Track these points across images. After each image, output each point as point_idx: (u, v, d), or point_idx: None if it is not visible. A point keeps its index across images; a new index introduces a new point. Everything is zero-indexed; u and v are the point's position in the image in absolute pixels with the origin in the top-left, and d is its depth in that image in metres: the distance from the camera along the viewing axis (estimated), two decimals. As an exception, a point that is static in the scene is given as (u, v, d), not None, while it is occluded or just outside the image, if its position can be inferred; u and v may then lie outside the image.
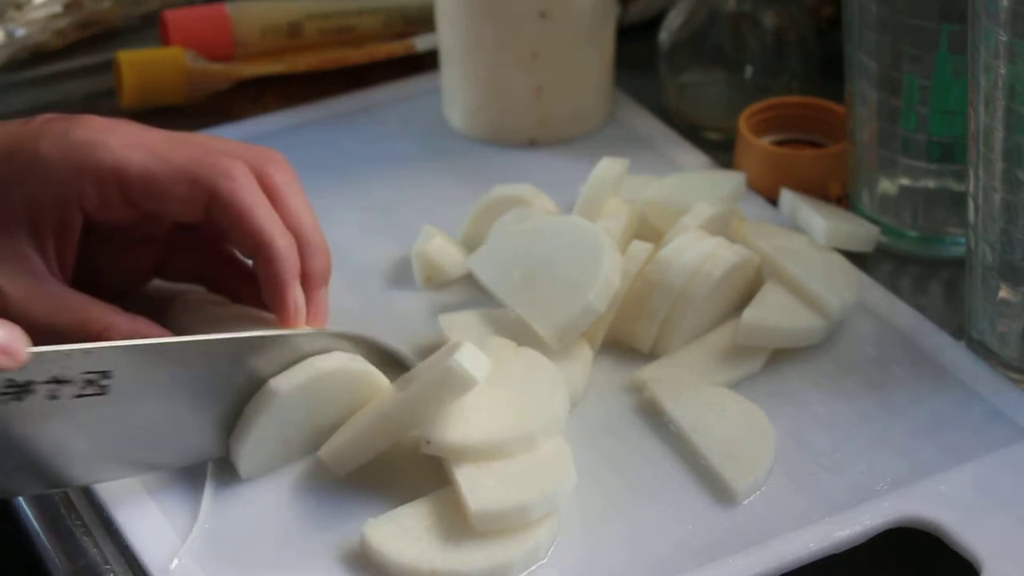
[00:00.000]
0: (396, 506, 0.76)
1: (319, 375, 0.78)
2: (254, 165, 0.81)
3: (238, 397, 0.78)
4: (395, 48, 1.12)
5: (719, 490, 0.78)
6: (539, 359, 0.81)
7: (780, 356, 0.86)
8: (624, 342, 0.87)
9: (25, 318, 0.77)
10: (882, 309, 0.89)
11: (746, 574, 0.74)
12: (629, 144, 1.03)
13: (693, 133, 1.05)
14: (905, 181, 0.93)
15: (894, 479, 0.79)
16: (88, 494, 0.79)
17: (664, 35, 1.06)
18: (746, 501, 0.78)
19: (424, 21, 1.13)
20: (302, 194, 0.82)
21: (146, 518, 0.77)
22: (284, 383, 0.78)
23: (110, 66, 1.11)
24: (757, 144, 0.99)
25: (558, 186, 0.96)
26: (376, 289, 0.92)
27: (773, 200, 0.98)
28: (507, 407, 0.78)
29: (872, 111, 0.91)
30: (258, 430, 0.78)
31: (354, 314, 0.89)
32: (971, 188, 0.83)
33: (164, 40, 1.12)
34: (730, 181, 0.95)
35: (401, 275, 0.93)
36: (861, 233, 0.94)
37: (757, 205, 0.97)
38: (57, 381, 0.72)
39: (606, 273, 0.83)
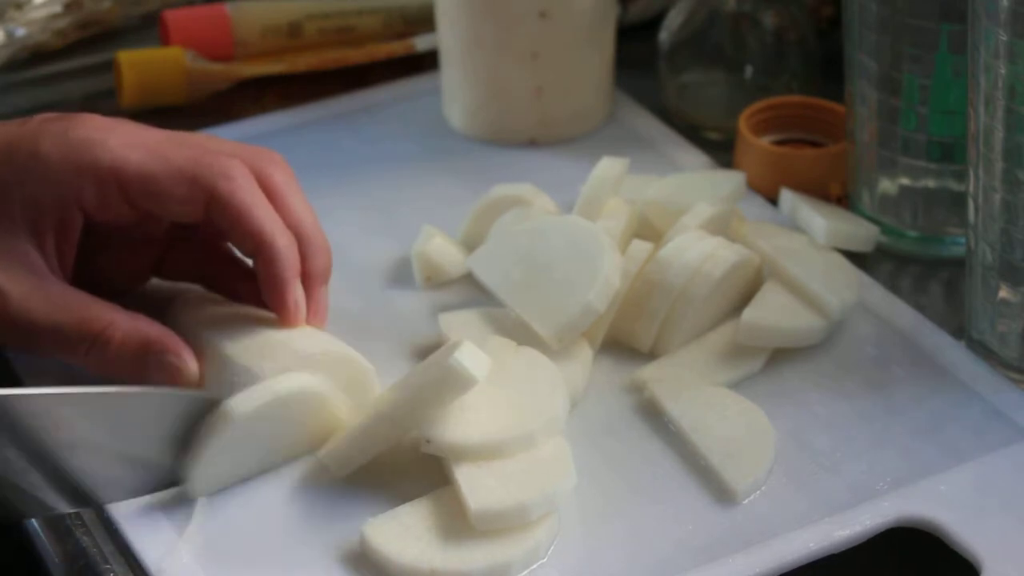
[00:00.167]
0: (396, 505, 0.76)
1: (276, 398, 0.77)
2: (253, 165, 0.81)
3: (107, 450, 0.77)
4: (395, 48, 1.12)
5: (719, 490, 0.78)
6: (539, 359, 0.81)
7: (780, 356, 0.86)
8: (624, 342, 0.87)
9: (25, 317, 0.78)
10: (882, 309, 0.89)
11: (746, 574, 0.74)
12: (629, 144, 1.03)
13: (693, 133, 1.05)
14: (905, 181, 0.93)
15: (894, 479, 0.79)
16: (88, 494, 0.79)
17: (664, 35, 1.06)
18: (746, 501, 0.78)
19: (424, 21, 1.13)
20: (301, 193, 0.82)
21: (146, 518, 0.77)
22: (240, 406, 0.77)
23: (110, 66, 1.11)
24: (757, 144, 0.99)
25: (558, 186, 0.96)
26: (376, 289, 0.92)
27: (773, 200, 0.98)
28: (507, 407, 0.78)
29: (872, 111, 0.91)
30: (211, 451, 0.77)
31: (354, 314, 0.89)
32: (971, 188, 0.83)
33: (164, 40, 1.12)
34: (730, 181, 0.95)
35: (401, 275, 0.93)
36: (861, 233, 0.94)
37: (757, 205, 0.97)
38: None
39: (606, 273, 0.83)
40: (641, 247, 0.87)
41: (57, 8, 1.15)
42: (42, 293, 0.78)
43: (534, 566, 0.75)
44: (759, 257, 0.89)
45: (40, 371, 0.83)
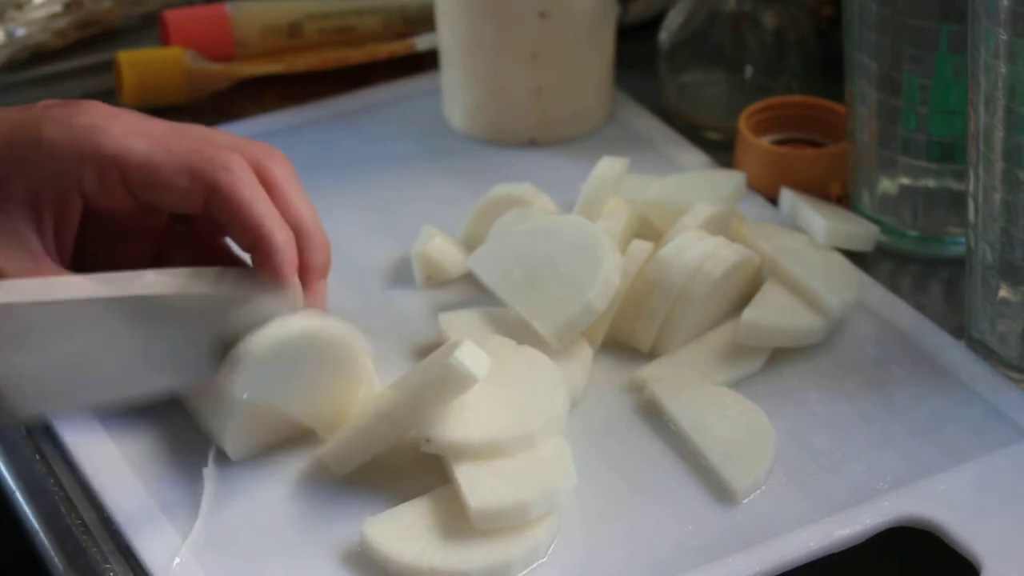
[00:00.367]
0: (396, 504, 0.76)
1: (301, 334, 0.77)
2: (253, 159, 0.81)
3: (121, 354, 0.76)
4: (395, 48, 1.12)
5: (719, 490, 0.78)
6: (539, 358, 0.81)
7: (780, 356, 0.86)
8: (624, 341, 0.87)
9: None
10: (882, 309, 0.89)
11: (746, 574, 0.74)
12: (629, 144, 1.03)
13: (693, 133, 1.05)
14: (905, 181, 0.93)
15: (894, 479, 0.79)
16: (87, 493, 0.79)
17: (664, 35, 1.06)
18: (746, 501, 0.78)
19: (424, 21, 1.13)
20: (301, 188, 0.82)
21: (146, 517, 0.77)
22: (253, 346, 0.77)
23: (110, 66, 1.11)
24: (757, 144, 0.99)
25: (558, 186, 0.96)
26: (376, 289, 0.92)
27: (773, 200, 0.98)
28: (507, 406, 0.78)
29: (872, 111, 0.91)
30: (237, 411, 0.78)
31: (354, 314, 0.89)
32: (971, 188, 0.83)
33: (164, 40, 1.12)
34: (730, 181, 0.95)
35: (401, 275, 0.93)
36: (861, 233, 0.94)
37: (757, 205, 0.97)
38: None
39: (606, 273, 0.83)
40: (641, 247, 0.87)
41: (57, 8, 1.15)
42: (38, 275, 0.78)
43: (534, 565, 0.75)
44: (759, 257, 0.89)
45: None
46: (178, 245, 0.85)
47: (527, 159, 1.03)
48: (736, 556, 0.75)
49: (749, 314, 0.86)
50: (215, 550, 0.76)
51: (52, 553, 0.77)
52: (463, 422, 0.77)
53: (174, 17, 1.12)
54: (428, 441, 0.77)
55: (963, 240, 0.88)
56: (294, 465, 0.80)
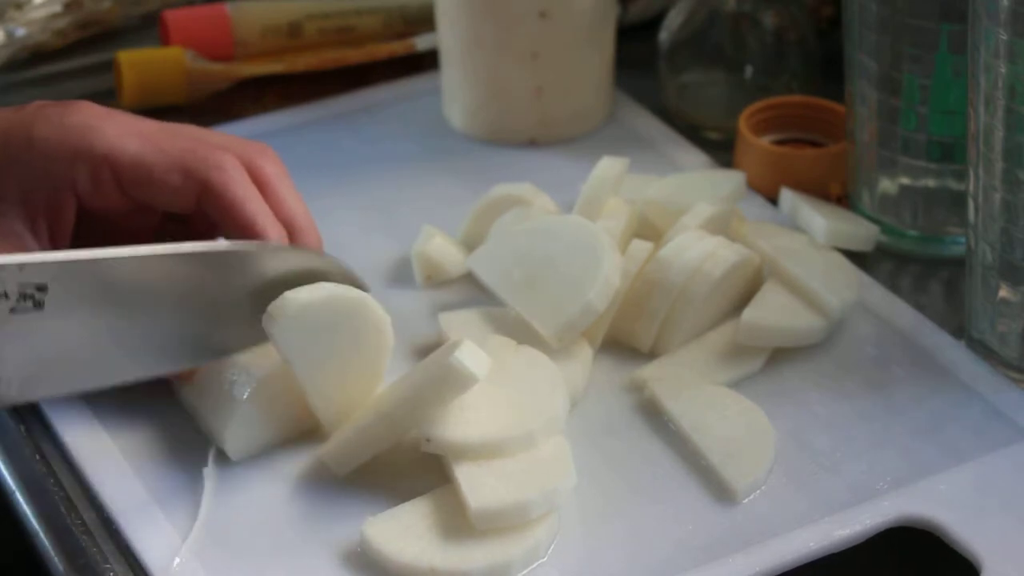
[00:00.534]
0: (396, 504, 0.76)
1: (332, 296, 0.78)
2: (245, 158, 0.81)
3: (186, 311, 0.78)
4: (395, 48, 1.12)
5: (719, 490, 0.78)
6: (539, 358, 0.81)
7: (780, 356, 0.86)
8: (624, 341, 0.87)
9: None
10: (882, 309, 0.89)
11: (746, 574, 0.74)
12: (629, 144, 1.03)
13: (693, 133, 1.05)
14: (905, 181, 0.93)
15: (894, 479, 0.79)
16: (88, 493, 0.79)
17: (664, 35, 1.06)
18: (746, 501, 0.78)
19: (424, 21, 1.13)
20: (292, 186, 0.83)
21: (146, 517, 0.77)
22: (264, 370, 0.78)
23: (110, 66, 1.11)
24: (757, 144, 0.99)
25: (558, 186, 0.96)
26: (376, 288, 0.92)
27: (773, 200, 0.98)
28: (507, 406, 0.78)
29: (872, 111, 0.91)
30: (244, 413, 0.78)
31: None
32: (971, 188, 0.83)
33: (164, 40, 1.12)
34: (730, 181, 0.95)
35: (401, 274, 0.93)
36: (861, 233, 0.94)
37: (757, 205, 0.97)
38: None
39: (606, 272, 0.83)
40: (641, 247, 0.87)
41: (57, 8, 1.15)
42: None
43: (534, 565, 0.75)
44: (759, 257, 0.89)
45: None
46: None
47: (527, 159, 1.03)
48: (736, 556, 0.75)
49: (749, 314, 0.86)
50: (215, 550, 0.76)
51: (52, 553, 0.77)
52: (463, 422, 0.77)
53: (174, 17, 1.12)
54: (428, 441, 0.77)
55: (963, 240, 0.88)
56: (294, 465, 0.80)
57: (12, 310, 0.72)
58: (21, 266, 0.72)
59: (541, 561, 0.75)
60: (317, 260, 0.80)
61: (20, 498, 0.80)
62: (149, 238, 0.85)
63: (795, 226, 0.95)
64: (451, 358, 0.75)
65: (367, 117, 1.08)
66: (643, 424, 0.83)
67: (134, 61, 1.09)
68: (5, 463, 0.82)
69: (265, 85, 1.12)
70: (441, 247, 0.92)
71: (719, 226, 0.90)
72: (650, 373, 0.85)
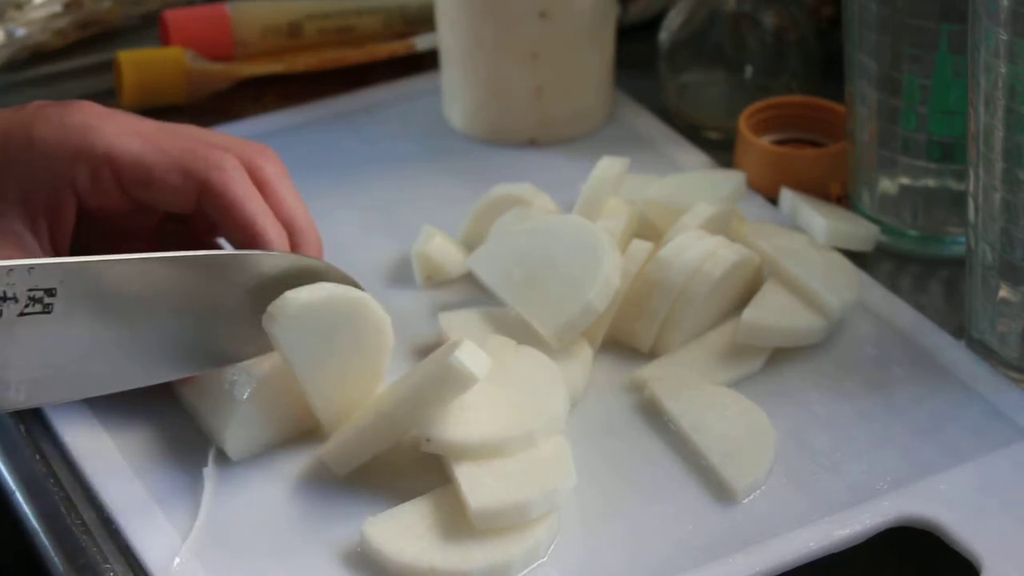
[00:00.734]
0: (396, 504, 0.76)
1: (332, 296, 0.78)
2: (245, 158, 0.81)
3: (189, 316, 0.78)
4: (395, 48, 1.12)
5: (719, 490, 0.78)
6: (539, 358, 0.81)
7: (780, 356, 0.86)
8: (624, 341, 0.87)
9: None
10: (882, 309, 0.89)
11: (746, 574, 0.74)
12: (629, 144, 1.03)
13: (693, 133, 1.05)
14: (905, 181, 0.93)
15: (894, 479, 0.79)
16: (88, 493, 0.79)
17: (664, 35, 1.06)
18: (746, 501, 0.78)
19: (424, 21, 1.13)
20: (292, 186, 0.83)
21: (146, 517, 0.77)
22: (264, 370, 0.78)
23: (110, 66, 1.11)
24: (757, 144, 0.99)
25: (558, 186, 0.96)
26: (376, 288, 0.92)
27: (773, 200, 0.98)
28: (507, 406, 0.78)
29: (872, 111, 0.91)
30: (244, 413, 0.78)
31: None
32: (971, 188, 0.83)
33: (164, 40, 1.12)
34: (730, 181, 0.95)
35: (401, 274, 0.93)
36: (861, 233, 0.94)
37: (757, 205, 0.97)
38: (1, 298, 0.72)
39: (606, 272, 0.83)
40: (641, 247, 0.87)
41: (57, 8, 1.15)
42: None
43: (534, 565, 0.75)
44: (759, 257, 0.89)
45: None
46: (171, 244, 0.86)
47: (527, 159, 1.03)
48: (736, 556, 0.75)
49: (749, 314, 0.86)
50: (215, 550, 0.76)
51: (52, 553, 0.77)
52: (463, 422, 0.77)
53: (174, 17, 1.12)
54: (428, 441, 0.77)
55: (963, 240, 0.88)
56: (294, 465, 0.80)
57: (20, 314, 0.73)
58: (30, 268, 0.72)
59: (541, 561, 0.75)
60: (321, 267, 0.80)
61: (20, 498, 0.80)
62: (149, 238, 0.85)
63: (795, 226, 0.95)
64: (451, 358, 0.75)
65: (367, 117, 1.08)
66: (643, 424, 0.83)
67: (134, 61, 1.09)
68: (5, 463, 0.82)
69: (265, 85, 1.12)
70: (441, 247, 0.92)
71: (719, 226, 0.90)
72: (650, 373, 0.85)
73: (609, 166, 0.92)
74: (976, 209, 0.83)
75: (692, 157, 1.02)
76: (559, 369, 0.81)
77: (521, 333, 0.84)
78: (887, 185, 0.94)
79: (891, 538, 0.77)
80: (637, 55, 1.10)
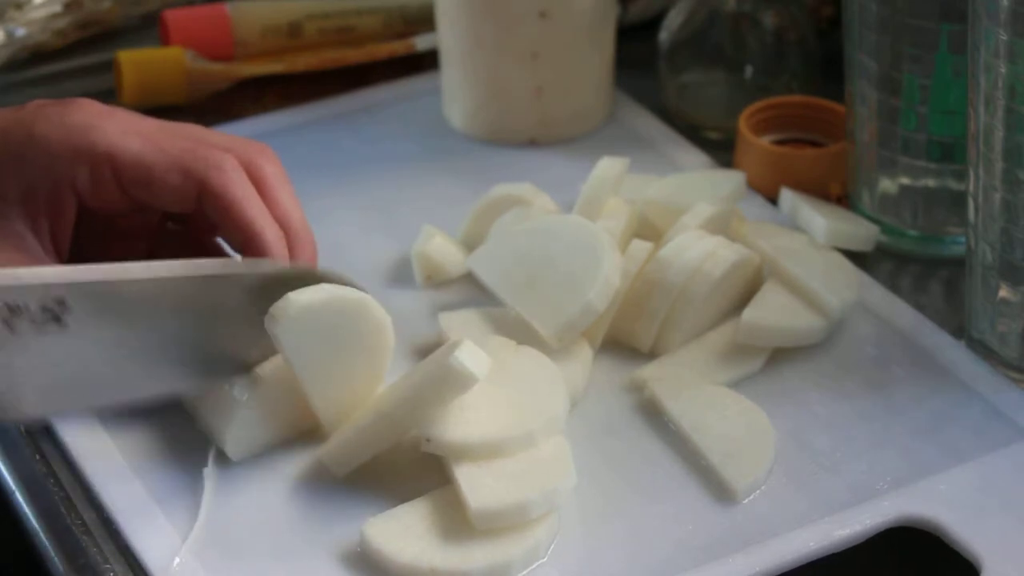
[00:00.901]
0: (396, 505, 0.76)
1: (333, 297, 0.78)
2: (243, 157, 0.81)
3: (203, 331, 0.78)
4: (395, 48, 1.12)
5: (719, 490, 0.78)
6: (539, 358, 0.81)
7: (780, 356, 0.86)
8: (624, 341, 0.87)
9: None
10: (882, 309, 0.89)
11: (746, 574, 0.74)
12: (629, 144, 1.03)
13: (693, 133, 1.05)
14: (905, 181, 0.93)
15: (894, 479, 0.79)
16: (88, 493, 0.79)
17: (664, 35, 1.06)
18: (746, 501, 0.78)
19: (424, 21, 1.13)
20: (290, 186, 0.83)
21: (146, 517, 0.77)
22: (265, 371, 0.79)
23: (110, 66, 1.11)
24: (757, 144, 0.99)
25: (558, 186, 0.96)
26: (376, 288, 0.92)
27: (773, 200, 0.98)
28: (507, 406, 0.78)
29: (872, 111, 0.91)
30: (245, 414, 0.78)
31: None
32: (971, 188, 0.83)
33: (164, 40, 1.12)
34: (730, 181, 0.95)
35: (401, 274, 0.93)
36: (861, 233, 0.94)
37: (757, 205, 0.97)
38: (12, 310, 0.72)
39: (606, 272, 0.83)
40: (641, 247, 0.87)
41: (57, 8, 1.15)
42: None
43: (534, 565, 0.75)
44: (759, 257, 0.89)
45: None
46: (170, 244, 0.86)
47: (527, 159, 1.03)
48: (736, 556, 0.75)
49: (749, 314, 0.86)
50: (215, 550, 0.76)
51: (52, 553, 0.77)
52: (463, 422, 0.77)
53: (174, 17, 1.12)
54: (428, 441, 0.77)
55: (963, 240, 0.88)
56: (294, 465, 0.80)
57: (34, 327, 0.73)
58: (45, 283, 0.72)
59: (541, 561, 0.75)
60: (324, 274, 0.80)
61: (20, 498, 0.80)
62: (148, 237, 0.85)
63: (795, 226, 0.95)
64: (451, 358, 0.75)
65: (367, 117, 1.08)
66: (643, 424, 0.83)
67: (134, 61, 1.09)
68: (5, 463, 0.82)
69: (265, 85, 1.12)
70: (441, 247, 0.92)
71: (719, 226, 0.90)
72: (650, 373, 0.85)
73: (609, 166, 0.92)
74: (976, 209, 0.83)
75: (692, 157, 1.02)
76: (559, 369, 0.81)
77: (521, 333, 0.84)
78: (887, 185, 0.94)
79: (891, 538, 0.77)
80: (637, 55, 1.10)
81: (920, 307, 0.90)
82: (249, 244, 0.80)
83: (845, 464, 0.80)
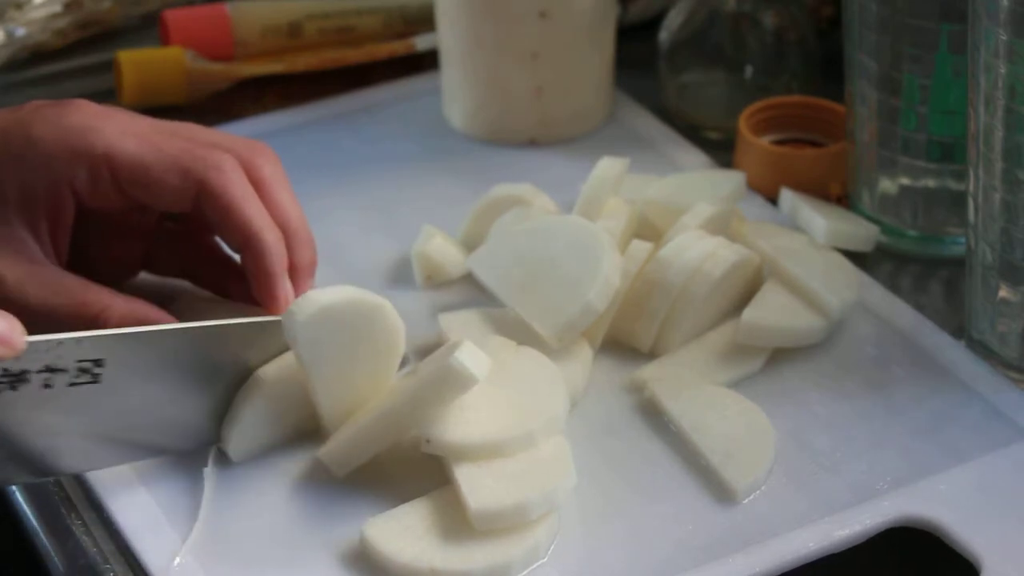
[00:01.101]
0: (396, 505, 0.76)
1: (341, 301, 0.78)
2: (243, 157, 0.81)
3: (230, 382, 0.79)
4: (395, 48, 1.12)
5: (719, 490, 0.78)
6: (539, 358, 0.81)
7: (780, 356, 0.86)
8: (624, 341, 0.87)
9: (22, 301, 0.78)
10: (882, 309, 0.89)
11: (746, 574, 0.74)
12: (629, 144, 1.03)
13: (693, 133, 1.05)
14: (905, 181, 0.93)
15: (894, 479, 0.79)
16: (87, 493, 0.79)
17: (664, 35, 1.06)
18: (746, 501, 0.78)
19: (424, 21, 1.13)
20: (288, 186, 0.83)
21: (146, 517, 0.77)
22: (270, 370, 0.79)
23: (110, 66, 1.11)
24: (757, 144, 0.99)
25: (558, 186, 0.96)
26: (376, 289, 0.91)
27: (773, 200, 0.98)
28: (507, 406, 0.78)
29: (872, 111, 0.91)
30: (248, 415, 0.79)
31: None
32: (971, 188, 0.83)
33: (164, 40, 1.12)
34: (730, 181, 0.95)
35: (401, 275, 0.93)
36: (861, 233, 0.94)
37: (757, 205, 0.97)
38: (51, 370, 0.72)
39: (606, 273, 0.83)
40: (641, 247, 0.87)
41: (57, 8, 1.15)
42: (38, 279, 0.79)
43: (534, 566, 0.75)
44: (759, 257, 0.89)
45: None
46: (168, 244, 0.86)
47: (527, 159, 1.03)
48: (736, 556, 0.75)
49: (749, 314, 0.86)
50: (215, 550, 0.76)
51: (52, 553, 0.77)
52: (463, 422, 0.77)
53: (174, 17, 1.12)
54: (428, 441, 0.77)
55: (963, 240, 0.88)
56: (294, 465, 0.80)
57: (70, 384, 0.73)
58: (79, 340, 0.73)
59: (541, 561, 0.75)
60: None
61: (20, 498, 0.80)
62: (146, 237, 0.85)
63: (795, 226, 0.95)
64: (451, 359, 0.75)
65: (367, 117, 1.08)
66: (643, 424, 0.83)
67: (134, 61, 1.09)
68: (5, 463, 0.82)
69: (265, 85, 1.12)
70: (441, 247, 0.92)
71: (719, 226, 0.90)
72: (650, 373, 0.85)
73: (609, 166, 0.92)
74: (976, 209, 0.83)
75: (692, 157, 1.02)
76: (559, 369, 0.81)
77: (521, 333, 0.84)
78: (887, 185, 0.94)
79: (891, 538, 0.77)
80: (637, 55, 1.10)
81: (920, 307, 0.90)
82: (248, 244, 0.80)
83: (845, 464, 0.80)
